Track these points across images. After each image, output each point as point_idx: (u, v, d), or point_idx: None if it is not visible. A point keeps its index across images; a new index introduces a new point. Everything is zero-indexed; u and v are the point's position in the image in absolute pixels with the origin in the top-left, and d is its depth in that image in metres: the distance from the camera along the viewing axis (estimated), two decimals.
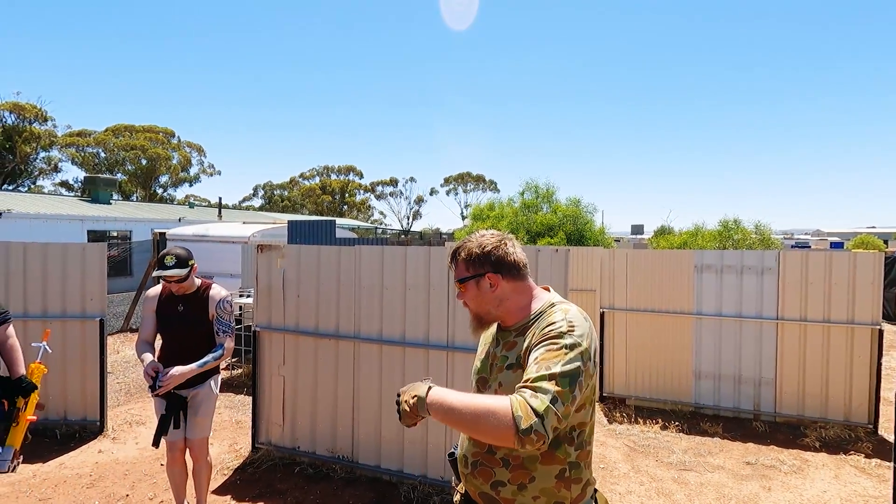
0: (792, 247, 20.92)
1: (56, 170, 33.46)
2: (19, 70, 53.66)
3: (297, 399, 4.15)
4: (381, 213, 51.23)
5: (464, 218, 46.70)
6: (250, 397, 4.44)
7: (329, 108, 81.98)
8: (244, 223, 11.29)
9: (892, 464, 2.68)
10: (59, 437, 4.49)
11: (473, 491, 1.54)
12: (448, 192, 49.19)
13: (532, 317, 1.52)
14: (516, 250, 1.57)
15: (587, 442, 1.50)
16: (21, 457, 2.99)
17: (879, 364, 4.99)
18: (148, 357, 2.85)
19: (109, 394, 5.14)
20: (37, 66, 55.81)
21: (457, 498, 1.67)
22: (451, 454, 1.67)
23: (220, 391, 3.21)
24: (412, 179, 49.26)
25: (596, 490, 1.56)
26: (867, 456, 4.46)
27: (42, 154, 31.82)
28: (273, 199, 48.19)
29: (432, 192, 49.52)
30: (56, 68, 58.51)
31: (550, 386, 1.28)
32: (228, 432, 4.76)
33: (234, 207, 40.43)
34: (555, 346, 1.36)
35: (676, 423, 5.19)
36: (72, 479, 3.84)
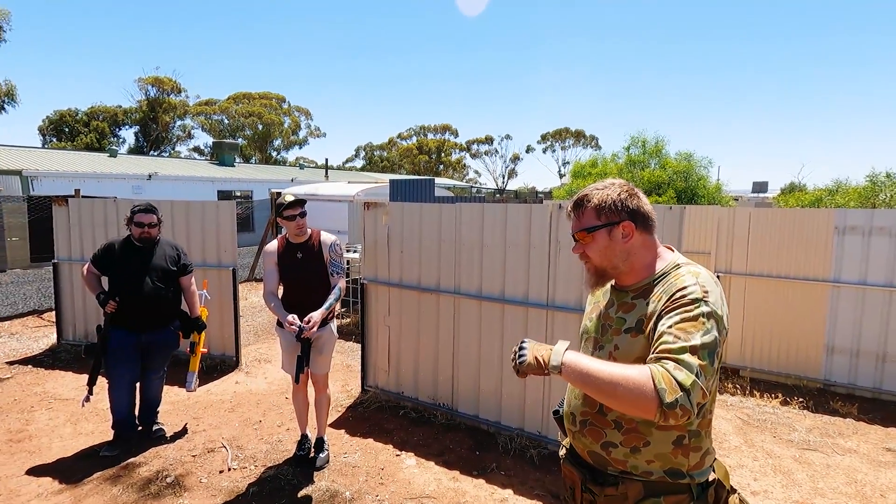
0: None
1: (189, 136, 37.68)
2: (152, 44, 60.17)
3: (402, 348, 4.40)
4: (477, 171, 51.28)
5: (562, 176, 45.03)
6: (359, 344, 4.80)
7: (425, 68, 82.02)
8: (349, 182, 11.90)
9: None
10: (205, 369, 5.24)
11: (581, 449, 1.53)
12: (545, 150, 47.57)
13: (656, 277, 1.44)
14: (646, 204, 1.49)
15: (709, 410, 1.42)
16: (198, 380, 3.77)
17: None
18: (283, 311, 3.16)
19: (242, 335, 5.85)
20: (168, 39, 62.15)
21: (562, 452, 1.67)
22: (556, 411, 1.67)
23: (337, 335, 3.51)
24: (508, 137, 48.31)
25: (716, 459, 1.49)
26: None
27: (178, 122, 35.87)
28: (373, 159, 50.09)
29: (528, 149, 48.15)
30: (184, 40, 64.68)
31: (694, 360, 1.22)
32: (340, 374, 5.22)
33: (339, 168, 42.75)
34: (691, 315, 1.28)
35: (800, 399, 4.73)
36: (216, 404, 4.49)
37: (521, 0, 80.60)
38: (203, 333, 3.80)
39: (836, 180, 14.29)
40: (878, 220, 4.70)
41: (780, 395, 4.85)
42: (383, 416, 4.27)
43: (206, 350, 3.80)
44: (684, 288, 1.33)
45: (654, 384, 1.19)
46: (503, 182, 48.63)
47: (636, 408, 1.21)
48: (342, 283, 3.36)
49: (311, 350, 3.17)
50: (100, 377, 3.57)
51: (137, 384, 3.70)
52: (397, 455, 3.65)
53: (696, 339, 1.24)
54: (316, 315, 3.09)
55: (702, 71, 78.22)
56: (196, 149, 39.08)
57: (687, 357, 1.22)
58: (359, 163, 51.23)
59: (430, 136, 48.92)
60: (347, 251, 7.47)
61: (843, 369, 4.93)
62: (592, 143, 45.82)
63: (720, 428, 4.18)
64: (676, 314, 1.30)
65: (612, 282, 1.55)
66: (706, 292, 1.31)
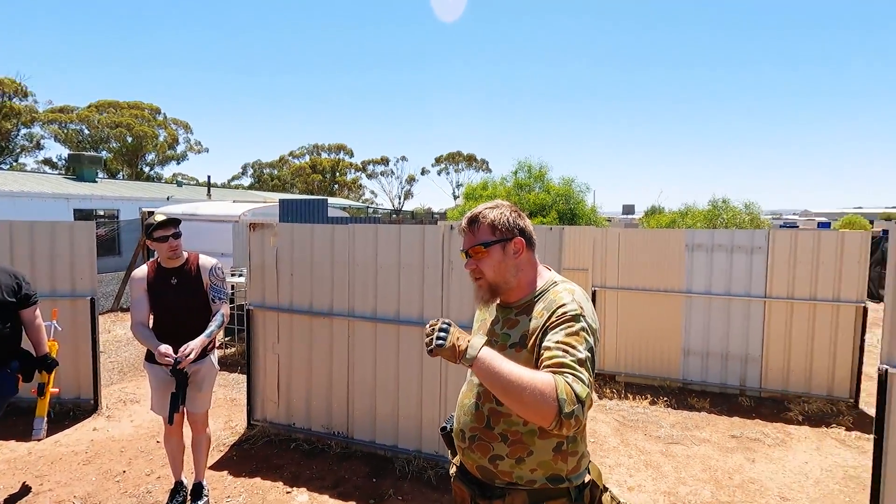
0: (780, 226, 21.15)
1: (38, 147, 32.70)
2: None
3: (292, 377, 4.17)
4: (373, 192, 50.90)
5: (456, 197, 46.53)
6: (244, 375, 4.46)
7: (319, 86, 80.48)
8: (234, 202, 11.17)
9: (871, 436, 2.77)
10: (52, 416, 4.49)
11: (471, 465, 1.57)
12: (439, 172, 48.87)
13: (537, 294, 1.53)
14: (530, 223, 1.63)
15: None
16: (47, 425, 3.19)
17: (863, 341, 5.11)
18: (154, 341, 2.83)
19: (102, 373, 5.13)
20: (14, 40, 53.94)
21: (452, 470, 1.70)
22: (444, 428, 1.69)
23: (218, 367, 3.21)
24: (403, 158, 48.83)
25: (590, 462, 1.60)
26: (848, 429, 4.61)
27: (23, 130, 31.04)
28: (262, 177, 47.58)
29: (423, 171, 49.14)
30: (36, 43, 56.63)
31: (585, 374, 1.33)
32: (223, 410, 4.79)
33: (223, 186, 39.89)
34: (573, 330, 1.39)
35: (665, 399, 5.31)
36: (68, 456, 3.86)
37: (414, 25, 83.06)
38: (54, 372, 3.27)
39: (685, 204, 16.55)
40: (718, 239, 5.51)
41: (649, 395, 5.40)
42: (272, 451, 3.98)
43: (57, 390, 3.25)
44: (563, 305, 1.44)
45: (557, 394, 1.25)
46: (400, 203, 48.98)
47: (537, 413, 1.27)
48: (225, 309, 3.11)
49: (187, 386, 2.87)
50: None
51: None
52: (288, 492, 3.42)
53: (582, 353, 1.35)
54: (194, 344, 2.81)
55: (580, 106, 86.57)
56: (47, 161, 34.02)
57: (581, 371, 1.32)
58: (246, 181, 48.34)
59: (325, 154, 47.87)
60: (232, 275, 6.96)
61: (697, 369, 5.64)
62: (483, 167, 48.10)
63: (600, 431, 4.54)
64: (560, 330, 1.40)
65: (498, 299, 1.63)
66: (582, 308, 1.44)
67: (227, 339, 6.92)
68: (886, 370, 2.68)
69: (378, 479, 3.60)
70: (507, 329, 1.55)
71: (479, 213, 1.59)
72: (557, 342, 1.37)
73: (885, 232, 12.78)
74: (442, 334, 1.37)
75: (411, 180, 49.11)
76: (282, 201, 9.59)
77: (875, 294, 11.99)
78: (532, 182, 15.67)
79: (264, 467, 3.73)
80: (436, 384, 3.71)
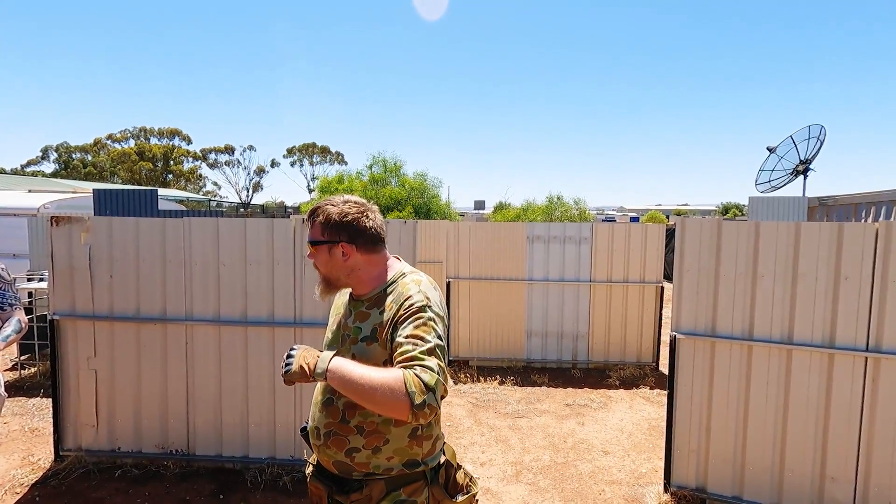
0: (602, 220, 24.56)
1: None
2: None
3: (116, 394, 3.61)
4: (216, 183, 46.30)
5: (311, 191, 44.70)
6: (48, 399, 3.73)
7: (142, 59, 69.93)
8: (30, 192, 9.22)
9: (667, 391, 3.39)
10: None
11: (327, 461, 1.53)
12: (293, 164, 46.45)
13: (386, 286, 1.54)
14: (376, 222, 1.56)
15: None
16: None
17: (661, 314, 6.20)
18: None
19: None
20: None
21: (309, 470, 1.64)
22: (303, 428, 1.63)
23: (5, 394, 2.62)
24: (251, 148, 45.29)
25: (444, 443, 1.68)
26: (651, 387, 5.56)
27: None
28: (71, 163, 40.05)
29: (274, 163, 46.21)
30: None
31: (433, 361, 1.35)
32: (20, 443, 3.96)
33: (15, 172, 32.60)
34: (420, 321, 1.41)
35: (512, 378, 5.80)
36: None
37: (263, 12, 77.16)
38: None
39: (527, 200, 18.26)
40: (553, 231, 6.18)
41: (498, 376, 5.86)
42: (90, 483, 3.40)
43: None
44: (410, 297, 1.47)
45: (406, 388, 1.28)
46: (248, 196, 45.37)
47: (392, 410, 1.30)
48: (22, 316, 2.56)
49: None
50: None
51: None
52: None
53: (431, 341, 1.39)
54: None
55: (434, 101, 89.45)
56: None
57: (428, 360, 1.35)
58: (48, 167, 40.28)
59: (155, 140, 42.13)
60: (29, 280, 5.76)
61: (538, 348, 6.28)
62: (339, 160, 46.95)
63: (455, 414, 4.79)
64: (409, 323, 1.42)
65: (350, 291, 1.61)
66: (428, 298, 1.48)
67: (24, 357, 5.71)
68: (675, 336, 3.29)
69: (226, 494, 3.31)
70: (359, 322, 1.54)
71: (318, 208, 1.55)
72: (407, 336, 1.40)
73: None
74: (288, 360, 1.37)
75: (261, 171, 45.84)
76: (97, 191, 8.20)
77: (669, 276, 14.62)
78: (388, 176, 15.79)
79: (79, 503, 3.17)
80: (289, 387, 3.53)
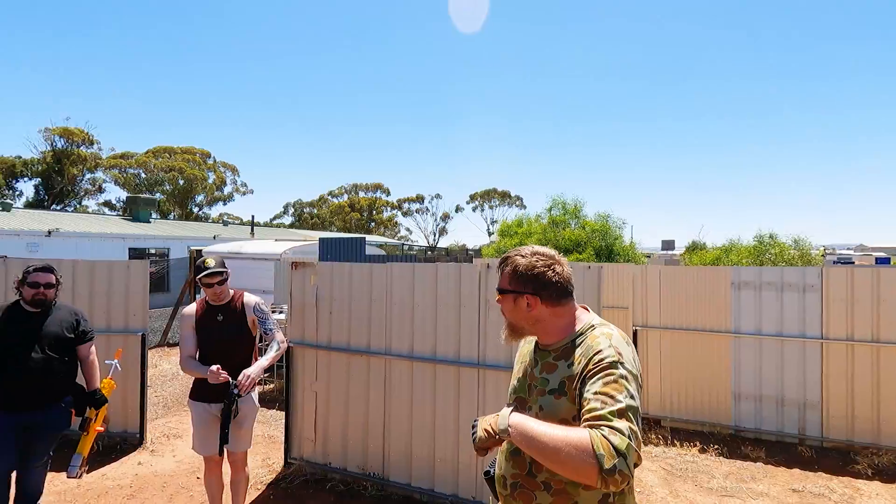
0: (834, 262, 20.06)
1: (100, 190, 35.18)
2: (67, 96, 56.90)
3: (329, 415, 4.18)
4: (408, 229, 51.80)
5: (490, 234, 46.64)
6: (282, 412, 4.51)
7: (356, 127, 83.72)
8: (276, 240, 11.57)
9: None
10: (100, 449, 4.64)
11: None
12: (474, 209, 49.36)
13: (575, 337, 1.51)
14: (563, 275, 1.54)
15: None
16: (87, 465, 3.26)
17: None
18: (203, 366, 2.94)
19: (148, 407, 5.29)
20: (83, 91, 59.10)
21: None
22: (487, 472, 1.65)
23: (258, 405, 3.27)
24: (438, 196, 49.69)
25: None
26: None
27: (88, 175, 33.53)
28: (302, 216, 49.28)
29: (458, 208, 49.77)
30: (101, 93, 61.74)
31: (624, 423, 1.27)
32: (261, 447, 4.83)
33: (266, 225, 41.52)
34: (612, 379, 1.35)
35: (716, 447, 5.00)
36: (113, 490, 3.96)
37: (446, 66, 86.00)
38: (103, 409, 3.39)
39: (729, 240, 16.01)
40: (766, 276, 5.28)
41: (698, 442, 5.10)
42: (308, 491, 3.96)
43: (102, 428, 3.35)
44: (600, 352, 1.41)
45: (594, 450, 1.22)
46: (434, 240, 49.52)
47: (578, 473, 1.24)
48: (280, 336, 3.22)
49: (234, 415, 2.93)
50: None
51: (13, 474, 3.18)
52: None
53: (622, 402, 1.31)
54: (251, 370, 2.92)
55: (615, 139, 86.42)
56: (107, 203, 36.45)
57: (618, 423, 1.27)
58: (287, 220, 50.17)
59: (362, 193, 49.29)
60: (273, 311, 7.14)
61: (750, 415, 5.31)
62: (518, 203, 48.29)
63: (647, 480, 4.29)
64: (598, 379, 1.36)
65: (536, 340, 1.62)
66: (620, 354, 1.40)
67: (266, 375, 7.03)
68: None
69: None
70: (546, 374, 1.52)
71: (508, 257, 1.60)
72: (595, 393, 1.34)
73: None
74: (474, 430, 1.45)
75: (445, 217, 49.75)
76: (321, 240, 9.88)
77: None
78: (567, 218, 15.58)
79: None
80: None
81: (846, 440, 4.94)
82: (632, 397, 1.32)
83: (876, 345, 4.85)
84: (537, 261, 1.55)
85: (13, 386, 3.06)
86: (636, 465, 1.28)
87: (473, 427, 1.46)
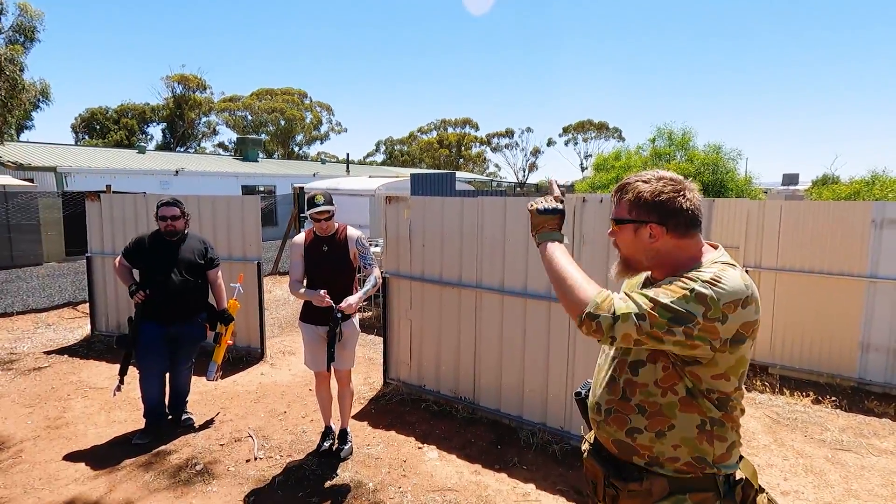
0: None
1: (214, 132, 38.38)
2: (178, 43, 61.32)
3: (423, 342, 4.42)
4: (497, 165, 50.88)
5: (584, 169, 44.42)
6: (381, 338, 4.84)
7: (445, 59, 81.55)
8: (370, 177, 11.97)
9: None
10: (231, 360, 5.35)
11: (606, 439, 1.51)
12: (567, 143, 46.91)
13: (692, 269, 1.40)
14: (693, 202, 1.39)
15: (732, 408, 1.38)
16: (221, 371, 3.84)
17: None
18: (311, 290, 3.23)
19: (266, 327, 5.95)
20: (193, 37, 63.26)
21: (585, 446, 1.64)
22: (578, 393, 1.65)
23: (359, 330, 3.53)
24: (528, 130, 47.80)
25: (742, 456, 1.45)
26: None
27: (203, 119, 36.57)
28: (393, 154, 50.23)
29: (549, 142, 47.58)
30: (206, 37, 65.72)
31: (644, 302, 1.27)
32: (362, 367, 5.28)
33: (360, 163, 43.04)
34: (680, 285, 1.28)
35: (833, 399, 4.59)
36: (242, 395, 4.59)
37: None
38: (231, 325, 3.88)
39: (872, 171, 13.75)
40: None
41: (811, 393, 4.72)
42: (405, 408, 4.30)
43: (231, 342, 3.87)
44: (700, 272, 1.31)
45: (594, 296, 1.29)
46: (524, 175, 48.25)
47: (567, 305, 1.35)
48: (377, 272, 3.42)
49: (340, 337, 3.21)
50: (131, 367, 3.69)
51: (167, 375, 3.80)
52: (419, 448, 3.68)
53: (664, 299, 1.26)
54: (352, 298, 3.18)
55: (728, 63, 75.94)
56: (221, 144, 39.81)
57: (638, 298, 1.28)
58: (379, 157, 51.47)
59: (451, 129, 48.79)
60: (370, 245, 7.52)
61: (880, 368, 4.76)
62: (616, 136, 45.04)
63: (748, 426, 4.09)
64: (668, 281, 1.33)
65: (648, 273, 1.52)
66: (718, 280, 1.27)
67: (365, 303, 7.55)
68: None
69: (503, 446, 3.69)
70: None
71: (627, 183, 1.45)
72: (657, 286, 1.34)
73: None
74: (551, 204, 1.59)
75: (536, 152, 47.95)
76: (413, 176, 10.04)
77: None
78: (673, 150, 14.27)
79: (398, 423, 4.05)
80: (563, 360, 3.65)
81: None
82: (682, 305, 1.24)
83: None
84: (664, 186, 1.39)
85: (160, 302, 3.58)
86: (630, 340, 1.27)
87: (546, 202, 1.60)
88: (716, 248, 1.45)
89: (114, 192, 6.85)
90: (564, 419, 3.69)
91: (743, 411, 1.41)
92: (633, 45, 78.73)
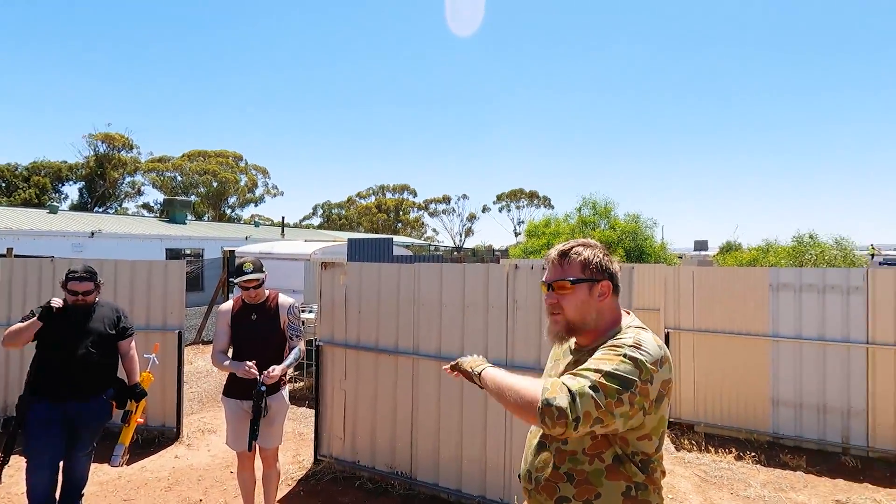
0: (880, 264, 19.15)
1: (139, 193, 36.63)
2: (108, 100, 59.40)
3: (358, 413, 4.23)
4: (434, 230, 51.89)
5: (517, 235, 46.32)
6: (312, 410, 4.58)
7: (383, 128, 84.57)
8: (306, 241, 11.79)
9: None
10: (140, 442, 4.81)
11: None
12: (500, 209, 49.13)
13: (608, 337, 1.49)
14: (618, 267, 1.60)
15: (654, 470, 1.44)
16: (129, 454, 3.40)
17: None
18: (237, 362, 3.03)
19: (184, 402, 5.46)
20: (123, 97, 61.58)
21: None
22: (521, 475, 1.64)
23: (289, 403, 3.33)
24: (464, 197, 49.69)
25: None
26: None
27: (127, 179, 34.94)
28: (331, 217, 50.03)
29: (484, 209, 49.63)
30: (139, 99, 64.26)
31: (593, 375, 1.30)
32: (291, 443, 4.92)
33: (296, 226, 42.38)
34: (612, 352, 1.36)
35: (752, 454, 4.83)
36: (152, 482, 4.10)
37: (471, 68, 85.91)
38: (142, 402, 3.52)
39: (766, 240, 15.45)
40: (807, 278, 5.07)
41: (733, 449, 4.94)
42: (337, 488, 4.01)
43: (142, 420, 3.49)
44: (621, 338, 1.42)
45: (543, 386, 1.29)
46: (460, 240, 49.49)
47: (521, 407, 1.31)
48: (301, 346, 3.28)
49: (265, 411, 3.00)
50: (17, 455, 3.21)
51: (60, 463, 3.33)
52: None
53: (606, 367, 1.31)
54: (278, 368, 3.02)
55: (645, 138, 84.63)
56: (145, 205, 37.91)
57: (586, 372, 1.31)
58: (316, 221, 51.04)
59: (389, 195, 49.68)
60: (303, 311, 7.27)
61: (789, 422, 5.11)
62: (545, 204, 47.81)
63: (680, 486, 4.19)
64: (601, 351, 1.39)
65: (574, 341, 1.59)
66: (640, 343, 1.38)
67: (296, 373, 7.17)
68: None
69: None
70: None
71: (573, 248, 1.56)
72: (591, 360, 1.38)
73: None
74: (465, 356, 1.69)
75: (472, 218, 49.68)
76: (350, 240, 10.02)
77: None
78: (597, 219, 15.34)
79: None
80: (500, 428, 3.62)
81: (895, 450, 4.70)
82: (622, 370, 1.31)
83: None
84: (601, 250, 1.57)
85: (58, 378, 3.20)
86: (592, 420, 1.25)
87: (466, 355, 1.70)
88: (628, 313, 1.57)
89: (16, 255, 6.25)
90: (504, 490, 3.60)
91: (664, 473, 1.48)
92: (561, 117, 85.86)
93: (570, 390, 1.25)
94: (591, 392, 1.25)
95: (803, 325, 5.06)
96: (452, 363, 1.69)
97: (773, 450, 4.96)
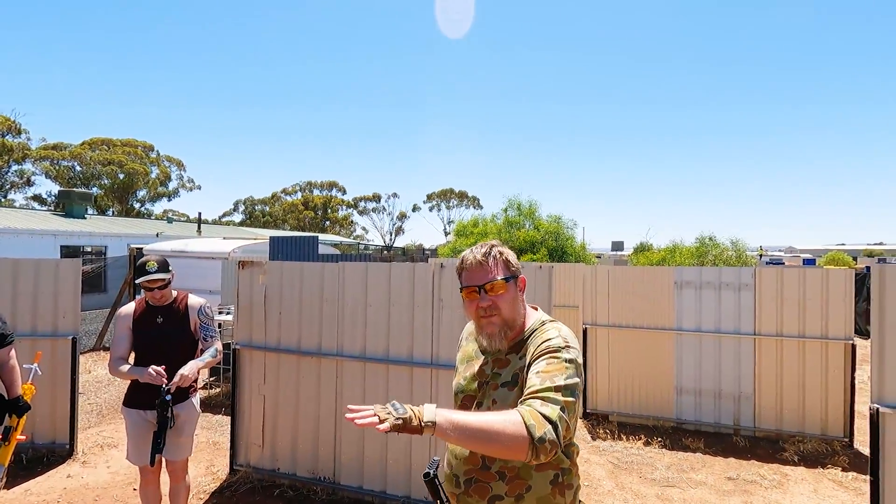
0: (766, 263, 21.47)
1: (29, 183, 32.68)
2: None
3: (278, 419, 4.06)
4: (364, 228, 51.10)
5: (447, 234, 46.80)
6: (228, 417, 4.33)
7: (312, 123, 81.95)
8: (224, 238, 11.14)
9: (868, 477, 2.73)
10: (25, 462, 4.30)
11: None
12: (431, 209, 49.38)
13: (527, 334, 1.54)
14: None
15: (574, 453, 1.52)
16: (6, 477, 2.98)
17: (853, 378, 5.11)
18: (140, 368, 2.76)
19: (80, 415, 4.96)
20: (10, 76, 54.72)
21: None
22: (427, 474, 1.54)
23: (200, 410, 3.12)
24: (395, 195, 49.33)
25: (581, 501, 1.57)
26: (844, 469, 4.54)
27: (14, 167, 31.08)
28: (254, 214, 47.68)
29: (415, 208, 49.63)
30: (32, 80, 57.46)
31: (559, 396, 1.32)
32: (205, 454, 4.62)
33: (214, 222, 39.88)
34: (556, 360, 1.40)
35: (659, 439, 5.22)
36: None
37: (402, 64, 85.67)
38: (24, 417, 3.13)
39: (673, 241, 16.78)
40: (706, 276, 5.56)
41: (643, 436, 5.31)
42: (255, 498, 3.82)
43: (24, 438, 3.09)
44: (549, 339, 1.46)
45: (524, 421, 1.25)
46: (391, 239, 49.12)
47: (511, 448, 1.23)
48: (219, 345, 3.07)
49: (170, 422, 2.77)
50: None
51: None
52: None
53: (561, 381, 1.35)
54: (185, 369, 2.77)
55: (569, 141, 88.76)
56: (37, 197, 33.91)
57: (552, 395, 1.32)
58: (238, 217, 48.39)
59: (317, 192, 48.22)
60: (220, 312, 6.86)
61: (690, 408, 5.58)
62: (475, 204, 48.70)
63: (594, 474, 4.43)
64: (542, 360, 1.41)
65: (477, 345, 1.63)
66: (568, 342, 1.45)
67: (211, 378, 6.74)
68: (878, 409, 2.67)
69: None
70: (498, 368, 1.54)
71: (491, 248, 1.59)
72: (538, 373, 1.39)
73: (869, 269, 12.99)
74: (403, 409, 1.29)
75: (402, 217, 49.48)
76: (272, 238, 9.59)
77: (862, 331, 12.08)
78: (522, 219, 15.87)
79: None
80: None
81: (775, 429, 5.28)
82: (570, 379, 1.37)
83: (802, 339, 5.21)
84: (508, 248, 1.65)
85: None
86: (566, 439, 1.32)
87: (400, 407, 1.30)
88: (536, 309, 1.64)
89: None
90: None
91: (578, 452, 1.56)
92: (489, 117, 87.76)
93: (549, 420, 1.26)
94: (564, 415, 1.30)
95: (702, 319, 5.54)
96: (393, 425, 1.27)
97: (676, 434, 5.39)
